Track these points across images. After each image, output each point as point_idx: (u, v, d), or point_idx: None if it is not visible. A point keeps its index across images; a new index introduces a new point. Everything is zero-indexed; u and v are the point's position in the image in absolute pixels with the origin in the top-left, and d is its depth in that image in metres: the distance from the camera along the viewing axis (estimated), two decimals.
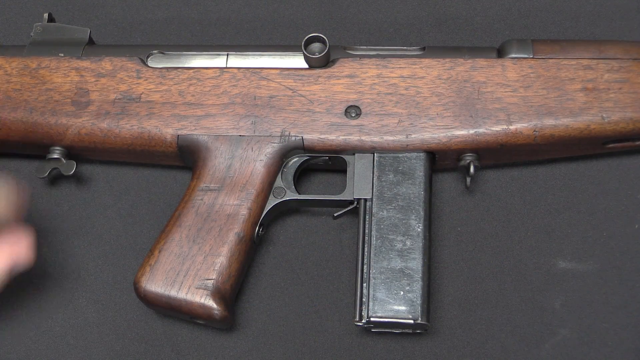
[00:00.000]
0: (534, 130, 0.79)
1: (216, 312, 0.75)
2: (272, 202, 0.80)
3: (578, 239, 0.84)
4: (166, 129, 0.81)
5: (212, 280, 0.76)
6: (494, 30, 0.93)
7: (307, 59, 0.82)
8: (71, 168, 0.82)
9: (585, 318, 0.81)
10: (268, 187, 0.80)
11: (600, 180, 0.86)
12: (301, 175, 0.85)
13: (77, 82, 0.82)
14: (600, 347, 0.80)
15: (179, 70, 0.83)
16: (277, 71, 0.82)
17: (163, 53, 0.85)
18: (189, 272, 0.76)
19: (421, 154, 0.80)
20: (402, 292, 0.75)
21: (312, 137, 0.80)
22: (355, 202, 0.79)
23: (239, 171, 0.80)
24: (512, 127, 0.79)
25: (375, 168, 0.79)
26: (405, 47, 0.84)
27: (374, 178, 0.79)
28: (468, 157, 0.80)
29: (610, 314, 0.81)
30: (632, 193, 0.85)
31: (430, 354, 0.80)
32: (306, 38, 0.81)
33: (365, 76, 0.81)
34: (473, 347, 0.80)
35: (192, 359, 0.81)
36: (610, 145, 0.82)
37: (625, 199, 0.85)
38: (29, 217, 0.86)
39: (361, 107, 0.80)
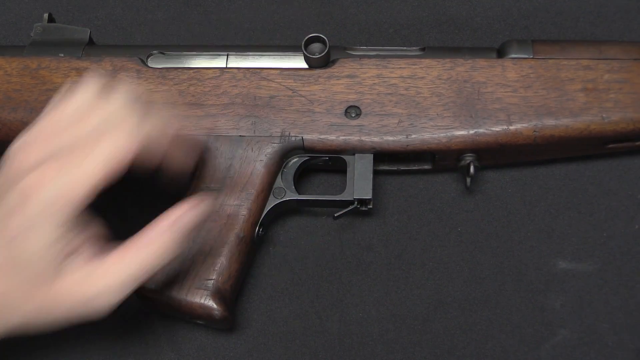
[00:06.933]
0: (534, 131, 0.79)
1: (216, 312, 0.75)
2: (272, 203, 0.80)
3: (578, 239, 0.84)
4: None
5: (212, 281, 0.76)
6: (494, 30, 0.93)
7: (307, 59, 0.82)
8: None
9: (585, 318, 0.81)
10: (268, 188, 0.80)
11: (600, 180, 0.86)
12: (301, 176, 0.85)
13: None
14: (600, 347, 0.80)
15: (179, 70, 0.83)
16: (277, 71, 0.82)
17: (163, 53, 0.85)
18: (189, 272, 0.76)
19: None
20: None
21: (312, 137, 0.80)
22: (356, 203, 0.79)
23: (239, 171, 0.80)
24: (512, 128, 0.79)
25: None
26: (405, 48, 0.84)
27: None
28: (468, 158, 0.80)
29: (610, 314, 0.81)
30: (632, 193, 0.85)
31: (430, 354, 0.80)
32: (306, 38, 0.81)
33: (365, 76, 0.81)
34: (473, 347, 0.80)
35: (192, 359, 0.81)
36: (611, 146, 0.82)
37: (625, 199, 0.85)
38: None
39: (361, 108, 0.80)
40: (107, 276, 0.66)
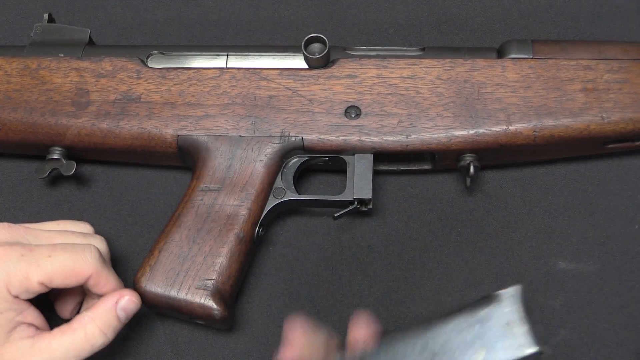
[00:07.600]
0: (534, 131, 0.79)
1: (216, 312, 0.75)
2: (272, 203, 0.80)
3: (578, 239, 0.84)
4: (166, 129, 0.81)
5: (212, 281, 0.76)
6: (493, 30, 0.93)
7: (307, 60, 0.82)
8: (71, 168, 0.82)
9: (585, 318, 0.81)
10: (268, 188, 0.80)
11: (600, 180, 0.86)
12: (301, 176, 0.85)
13: (77, 83, 0.82)
14: (600, 347, 0.80)
15: (179, 70, 0.83)
16: (277, 71, 0.82)
17: (163, 53, 0.85)
18: (188, 272, 0.76)
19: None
20: None
21: (312, 137, 0.80)
22: (356, 203, 0.79)
23: (238, 171, 0.80)
24: (512, 128, 0.79)
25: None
26: (405, 48, 0.84)
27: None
28: (468, 158, 0.80)
29: (610, 314, 0.81)
30: (632, 193, 0.85)
31: None
32: (306, 38, 0.81)
33: (365, 76, 0.81)
34: None
35: (191, 359, 0.81)
36: (610, 146, 0.82)
37: (625, 199, 0.85)
38: (29, 219, 0.86)
39: (361, 108, 0.80)
40: (51, 348, 0.71)
